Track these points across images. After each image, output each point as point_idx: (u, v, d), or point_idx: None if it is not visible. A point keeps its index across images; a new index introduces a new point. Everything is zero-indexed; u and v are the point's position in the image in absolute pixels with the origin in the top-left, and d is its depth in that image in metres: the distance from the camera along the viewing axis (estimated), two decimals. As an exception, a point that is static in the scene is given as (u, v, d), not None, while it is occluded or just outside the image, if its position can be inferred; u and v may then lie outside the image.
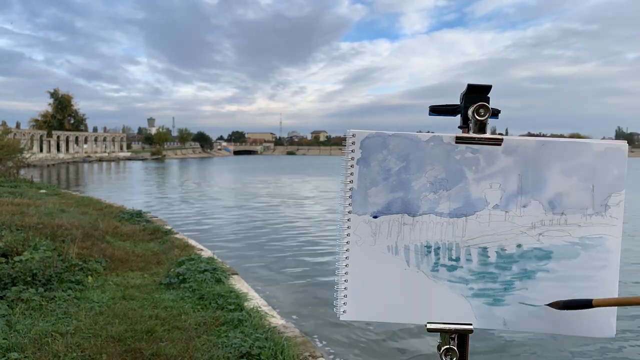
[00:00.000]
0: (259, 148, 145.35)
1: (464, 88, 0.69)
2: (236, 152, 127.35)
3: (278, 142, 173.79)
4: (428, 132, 0.67)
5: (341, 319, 0.64)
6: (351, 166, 0.64)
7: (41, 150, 57.26)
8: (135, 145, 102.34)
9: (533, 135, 0.74)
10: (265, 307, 5.07)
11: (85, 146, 70.50)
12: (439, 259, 0.64)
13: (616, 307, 0.62)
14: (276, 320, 4.73)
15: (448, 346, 0.65)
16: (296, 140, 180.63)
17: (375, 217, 0.64)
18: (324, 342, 5.08)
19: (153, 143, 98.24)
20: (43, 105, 70.31)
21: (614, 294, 0.63)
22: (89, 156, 66.54)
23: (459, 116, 0.71)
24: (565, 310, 0.62)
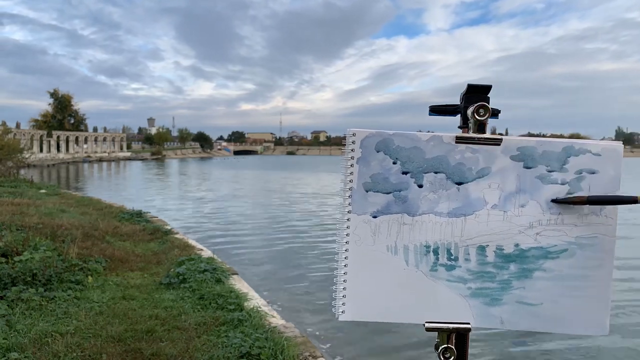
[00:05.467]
0: (259, 148, 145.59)
1: (464, 88, 0.69)
2: (236, 152, 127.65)
3: (278, 142, 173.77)
4: (428, 131, 0.67)
5: (340, 319, 0.63)
6: (351, 165, 0.64)
7: (41, 150, 57.20)
8: (135, 145, 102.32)
9: (533, 135, 0.75)
10: (265, 307, 5.07)
11: (85, 146, 70.43)
12: (437, 258, 0.64)
13: (609, 306, 0.63)
14: (276, 320, 4.73)
15: (446, 345, 0.65)
16: (296, 140, 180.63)
17: (374, 217, 0.64)
18: (324, 342, 5.08)
19: (153, 143, 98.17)
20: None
21: (609, 294, 0.63)
22: (89, 156, 66.48)
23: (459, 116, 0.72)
24: (561, 310, 0.63)
